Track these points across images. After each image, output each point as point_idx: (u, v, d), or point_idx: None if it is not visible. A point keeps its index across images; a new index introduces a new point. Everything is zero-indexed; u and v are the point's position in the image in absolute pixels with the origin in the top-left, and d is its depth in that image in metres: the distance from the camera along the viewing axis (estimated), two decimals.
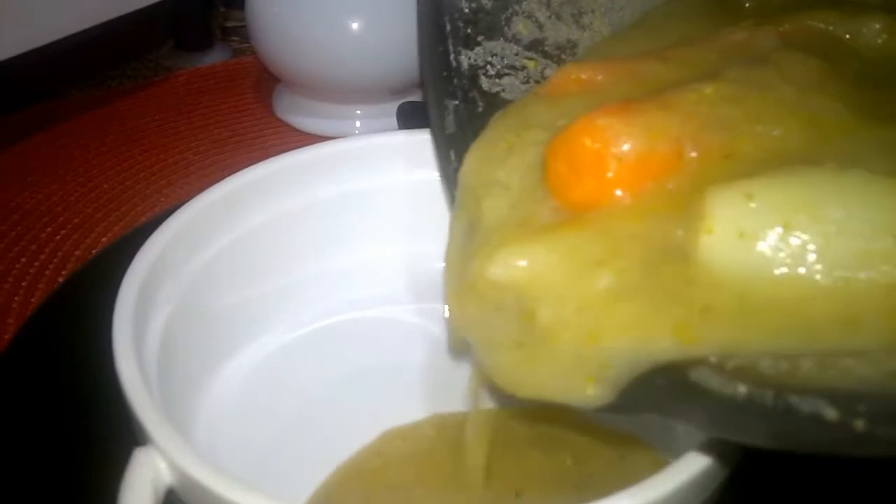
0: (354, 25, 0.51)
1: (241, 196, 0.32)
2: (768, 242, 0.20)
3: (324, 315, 0.35)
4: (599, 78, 0.28)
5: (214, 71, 0.62)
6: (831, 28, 0.29)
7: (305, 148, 0.34)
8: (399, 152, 0.35)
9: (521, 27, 0.32)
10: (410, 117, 0.50)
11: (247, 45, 0.63)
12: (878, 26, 0.28)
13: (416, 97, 0.54)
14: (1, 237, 0.45)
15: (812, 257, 0.20)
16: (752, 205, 0.21)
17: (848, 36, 0.29)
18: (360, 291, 0.36)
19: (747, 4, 0.33)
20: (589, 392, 0.21)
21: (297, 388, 0.33)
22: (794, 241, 0.20)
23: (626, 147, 0.23)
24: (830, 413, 0.18)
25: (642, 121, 0.24)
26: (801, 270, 0.20)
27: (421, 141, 0.34)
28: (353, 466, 0.30)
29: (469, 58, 0.31)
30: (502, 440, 0.29)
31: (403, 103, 0.51)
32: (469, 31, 0.32)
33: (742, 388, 0.19)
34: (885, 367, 0.19)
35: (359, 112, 0.55)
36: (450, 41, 0.31)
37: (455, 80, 0.31)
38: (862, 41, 0.29)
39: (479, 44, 0.32)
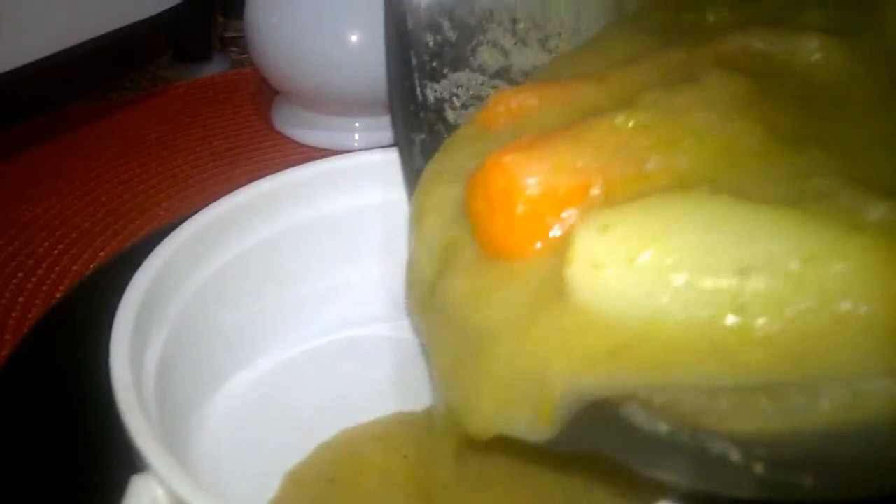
0: (353, 37, 0.50)
1: (234, 217, 0.32)
2: (617, 273, 0.20)
3: (318, 334, 0.35)
4: (533, 102, 0.28)
5: (213, 82, 0.62)
6: (769, 47, 0.29)
7: (298, 167, 0.34)
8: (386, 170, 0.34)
9: (486, 56, 0.33)
10: None
11: (246, 55, 0.62)
12: (815, 44, 0.28)
13: None
14: None
15: (657, 288, 0.20)
16: (606, 235, 0.21)
17: (785, 54, 0.28)
18: (352, 310, 0.36)
19: (711, 19, 0.32)
20: (530, 427, 0.21)
21: (296, 406, 0.33)
22: (641, 271, 0.20)
23: (531, 183, 0.23)
24: (735, 455, 0.18)
25: (548, 155, 0.24)
26: (647, 302, 0.20)
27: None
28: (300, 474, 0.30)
29: (435, 91, 0.32)
30: (510, 459, 0.29)
31: None
32: (434, 64, 0.32)
33: (664, 426, 0.19)
34: (788, 403, 0.19)
35: (357, 125, 0.54)
36: (416, 75, 0.31)
37: (422, 114, 0.31)
38: (799, 60, 0.28)
39: (444, 76, 0.32)
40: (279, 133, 0.56)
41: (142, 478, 0.22)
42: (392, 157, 0.34)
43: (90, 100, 0.60)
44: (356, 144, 0.54)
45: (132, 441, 0.22)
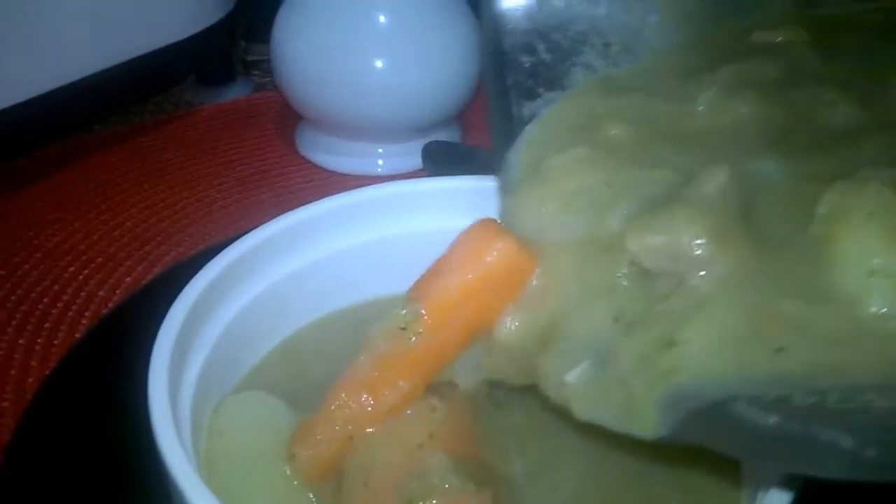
0: (378, 64, 0.51)
1: (277, 242, 0.32)
2: None
3: None
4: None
5: (237, 106, 0.62)
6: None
7: (344, 193, 0.34)
8: (439, 198, 0.34)
9: (580, 77, 0.33)
10: (436, 156, 0.49)
11: (269, 78, 0.63)
12: (700, 108, 0.30)
13: (439, 136, 0.53)
14: (23, 276, 0.45)
15: None
16: None
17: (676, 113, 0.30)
18: None
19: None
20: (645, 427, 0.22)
21: None
22: None
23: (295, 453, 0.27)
24: (846, 442, 0.19)
25: (308, 432, 0.27)
26: None
27: (455, 189, 0.34)
28: None
29: (530, 109, 0.33)
30: (602, 470, 0.28)
31: (430, 142, 0.51)
32: (530, 83, 0.33)
33: (773, 419, 0.20)
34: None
35: (381, 150, 0.54)
36: (511, 94, 0.33)
37: (517, 129, 0.32)
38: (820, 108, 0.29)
39: (539, 95, 0.33)
40: (303, 158, 0.56)
41: None
42: (437, 186, 0.35)
43: (113, 124, 0.60)
44: (379, 170, 0.54)
45: (175, 485, 0.22)
